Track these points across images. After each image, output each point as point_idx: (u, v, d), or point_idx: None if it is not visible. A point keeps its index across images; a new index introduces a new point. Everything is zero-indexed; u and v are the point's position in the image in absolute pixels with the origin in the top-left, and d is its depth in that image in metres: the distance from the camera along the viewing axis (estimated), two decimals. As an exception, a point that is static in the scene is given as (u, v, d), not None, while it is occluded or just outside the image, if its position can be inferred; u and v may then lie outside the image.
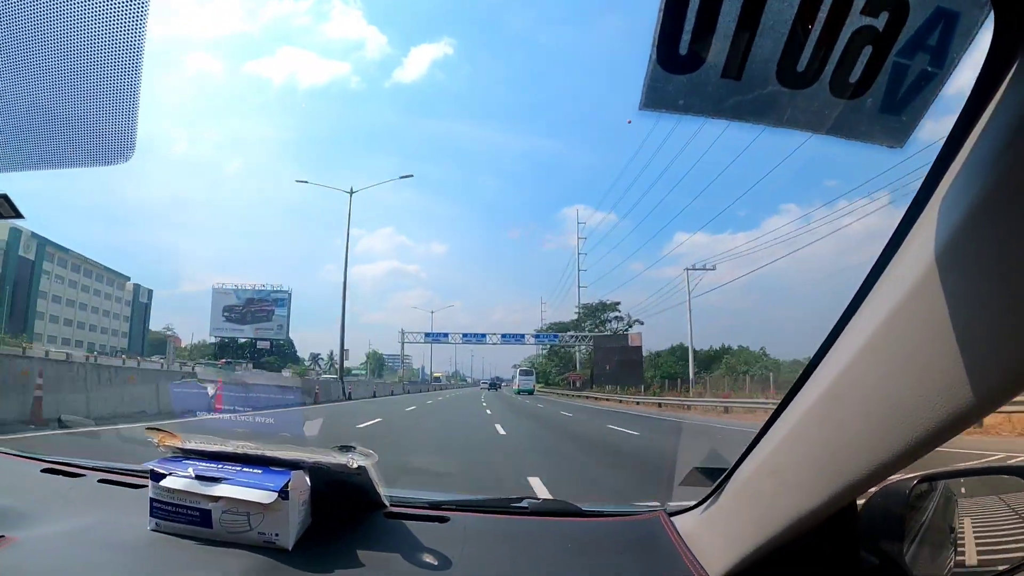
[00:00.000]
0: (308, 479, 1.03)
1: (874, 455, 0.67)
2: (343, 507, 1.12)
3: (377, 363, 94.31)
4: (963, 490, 1.05)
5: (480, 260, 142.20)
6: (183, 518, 1.02)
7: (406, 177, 38.66)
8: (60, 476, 1.34)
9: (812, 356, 0.80)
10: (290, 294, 76.50)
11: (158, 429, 1.10)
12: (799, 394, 0.82)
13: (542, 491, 4.89)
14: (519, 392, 53.61)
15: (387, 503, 1.15)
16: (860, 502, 0.94)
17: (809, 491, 0.76)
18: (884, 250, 0.67)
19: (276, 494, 0.97)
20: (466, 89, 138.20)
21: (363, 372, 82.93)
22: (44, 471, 1.37)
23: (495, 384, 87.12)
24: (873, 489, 0.90)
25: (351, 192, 32.40)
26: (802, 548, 0.87)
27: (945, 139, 0.60)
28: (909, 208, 0.64)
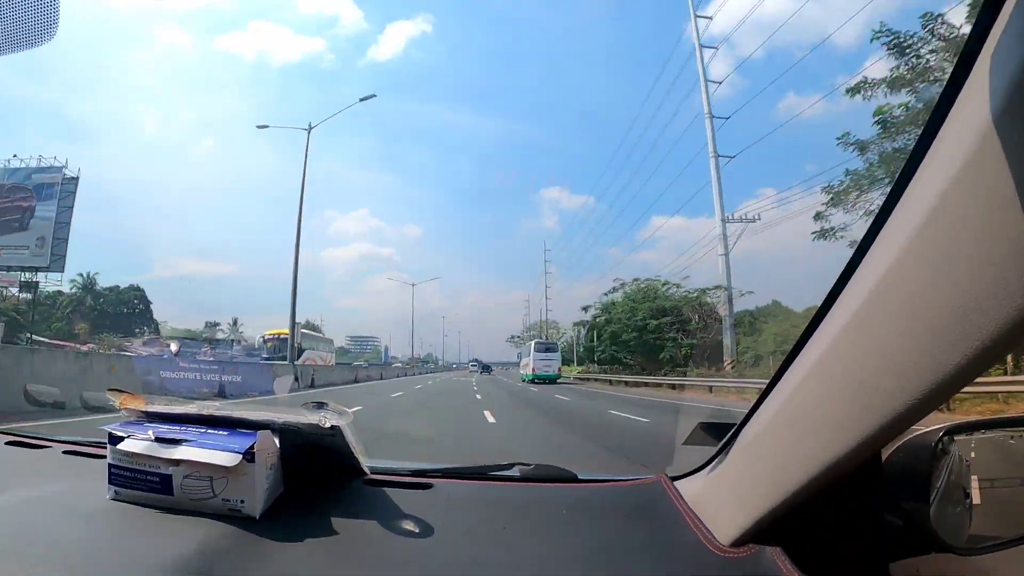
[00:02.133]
0: (277, 441, 0.95)
1: (896, 398, 0.60)
2: (319, 474, 1.04)
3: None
4: (973, 445, 0.95)
5: (456, 243, 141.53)
6: (142, 484, 0.95)
7: (368, 98, 32.34)
8: (24, 448, 1.27)
9: (826, 296, 0.73)
10: (76, 180, 36.72)
11: (119, 391, 1.02)
12: (814, 336, 0.74)
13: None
14: (533, 379, 35.20)
15: (366, 469, 1.07)
16: (885, 457, 0.86)
17: (829, 441, 0.69)
18: (899, 178, 0.62)
19: (240, 456, 0.89)
20: (443, 69, 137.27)
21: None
22: (8, 443, 1.30)
23: (487, 368, 80.00)
24: (897, 444, 0.82)
25: (308, 128, 29.79)
26: (820, 508, 0.79)
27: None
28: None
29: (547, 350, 39.20)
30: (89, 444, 1.27)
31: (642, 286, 42.91)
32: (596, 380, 39.54)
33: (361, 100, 34.42)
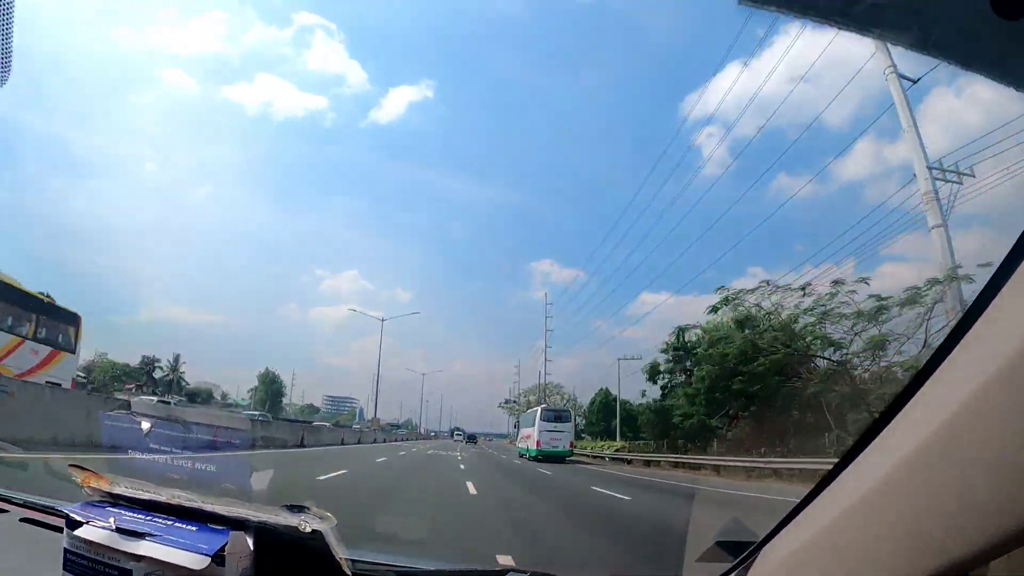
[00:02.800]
0: (251, 542, 0.89)
1: (971, 542, 0.51)
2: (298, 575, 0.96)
3: (272, 390, 72.81)
4: None
5: (445, 310, 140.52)
6: None
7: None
8: None
9: (898, 394, 0.64)
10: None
11: (81, 468, 0.95)
12: (870, 452, 0.66)
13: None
14: (538, 456, 25.92)
15: (349, 572, 0.99)
16: None
17: (888, 572, 0.59)
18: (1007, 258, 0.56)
19: (209, 559, 0.83)
20: (442, 134, 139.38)
21: (245, 404, 64.89)
22: None
23: (472, 438, 77.75)
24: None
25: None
26: None
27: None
28: None
29: (557, 419, 28.40)
30: (49, 512, 1.18)
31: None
32: (646, 460, 26.49)
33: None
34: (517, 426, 42.52)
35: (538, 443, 26.78)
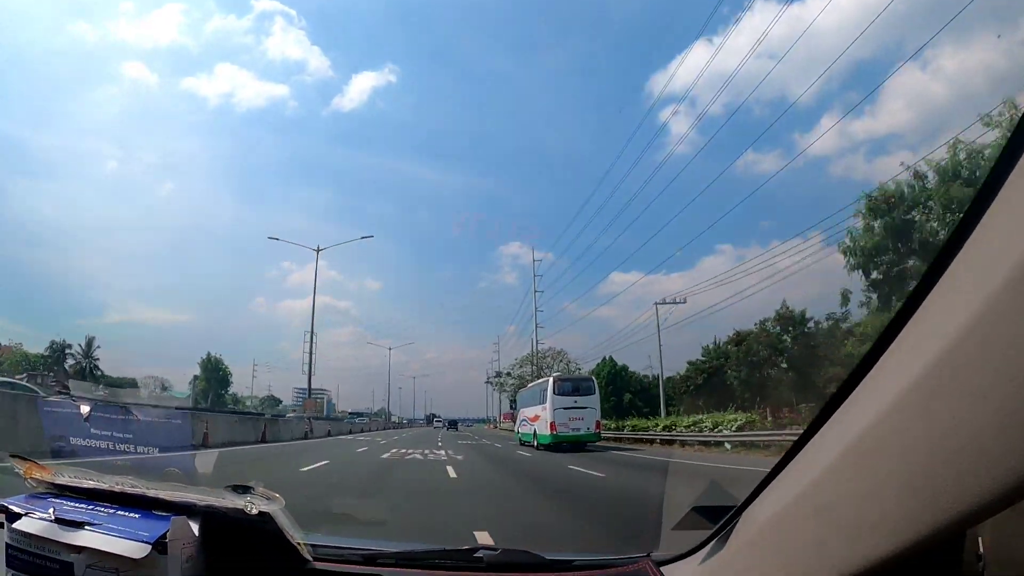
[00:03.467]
0: (196, 527, 0.84)
1: (965, 492, 0.46)
2: (253, 562, 0.91)
3: (216, 378, 64.35)
4: None
5: (415, 297, 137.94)
6: (41, 571, 0.83)
7: (367, 237, 35.33)
8: None
9: (875, 340, 0.59)
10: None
11: (23, 458, 0.91)
12: (852, 397, 0.61)
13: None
14: (551, 443, 18.51)
15: (308, 556, 0.95)
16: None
17: (874, 542, 0.55)
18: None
19: (150, 546, 0.78)
20: (406, 121, 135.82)
21: (184, 395, 52.46)
22: None
23: (453, 424, 73.80)
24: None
25: (317, 250, 31.15)
26: None
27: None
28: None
29: (576, 391, 20.22)
30: None
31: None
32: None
33: (362, 238, 36.66)
34: (514, 407, 35.22)
35: (552, 426, 18.86)
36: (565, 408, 19.34)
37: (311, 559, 0.94)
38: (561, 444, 18.26)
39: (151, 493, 0.85)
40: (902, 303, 0.56)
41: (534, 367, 47.63)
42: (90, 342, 55.06)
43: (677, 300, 32.62)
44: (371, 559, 1.03)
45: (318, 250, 31.04)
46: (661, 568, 0.98)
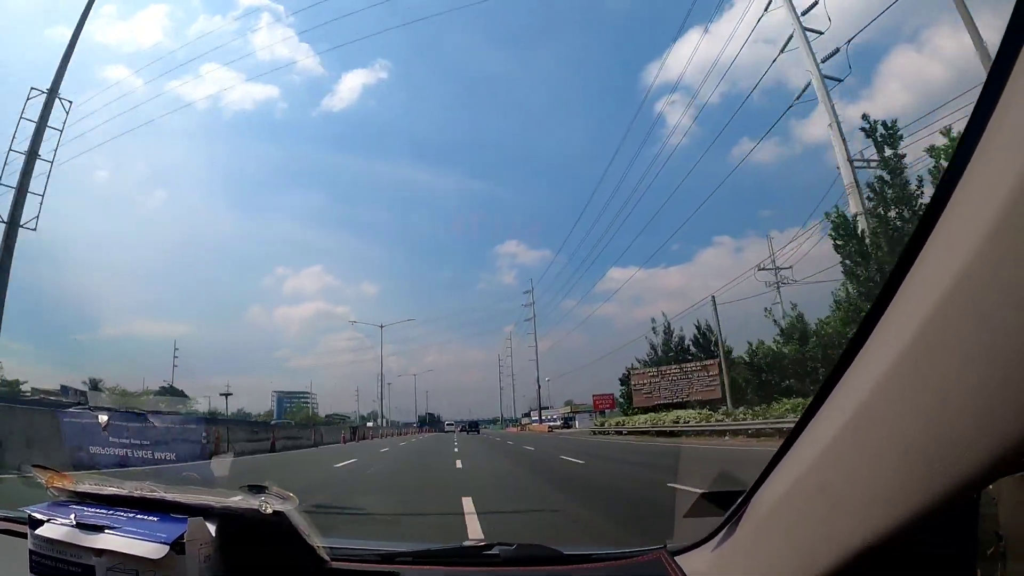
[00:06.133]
0: (213, 528, 0.86)
1: (955, 467, 0.47)
2: (270, 563, 0.93)
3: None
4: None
5: (413, 301, 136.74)
6: (63, 574, 0.85)
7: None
8: None
9: (860, 323, 0.61)
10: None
11: (45, 468, 0.94)
12: (843, 380, 0.63)
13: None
14: None
15: (326, 556, 0.97)
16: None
17: (874, 517, 0.56)
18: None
19: (168, 547, 0.80)
20: (398, 119, 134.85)
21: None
22: None
23: (473, 426, 62.65)
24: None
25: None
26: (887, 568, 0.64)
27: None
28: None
29: None
30: (18, 521, 1.17)
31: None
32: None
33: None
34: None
35: None
36: None
37: (328, 559, 0.96)
38: None
39: (169, 497, 0.87)
40: (886, 280, 0.57)
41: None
42: (94, 383, 54.57)
43: (780, 267, 29.53)
44: (388, 558, 1.04)
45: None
46: (676, 558, 0.98)
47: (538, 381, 65.08)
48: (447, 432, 56.76)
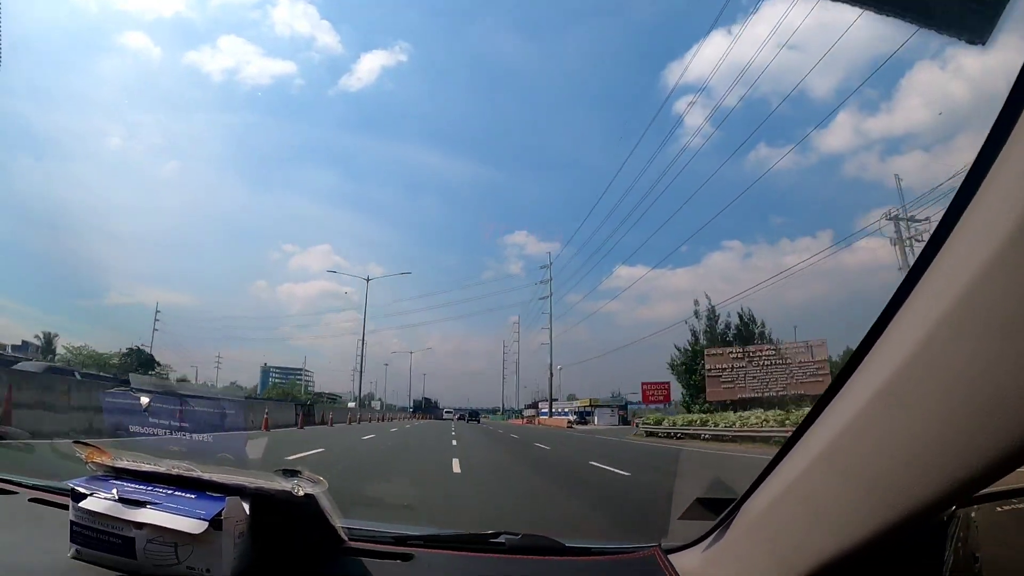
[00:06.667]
0: (247, 507, 0.92)
1: (916, 494, 0.53)
2: (294, 540, 0.99)
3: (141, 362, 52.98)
4: (982, 516, 0.84)
5: (419, 285, 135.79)
6: (105, 545, 0.91)
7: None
8: None
9: (841, 368, 0.67)
10: None
11: (86, 443, 0.98)
12: (828, 409, 0.68)
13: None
14: None
15: (344, 536, 1.03)
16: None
17: (845, 530, 0.62)
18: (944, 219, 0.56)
19: (207, 523, 0.86)
20: (415, 103, 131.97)
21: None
22: None
23: (473, 415, 61.29)
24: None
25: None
26: None
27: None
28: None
29: None
30: (57, 492, 1.23)
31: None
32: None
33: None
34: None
35: None
36: None
37: (346, 539, 1.02)
38: None
39: (205, 476, 0.92)
40: (881, 311, 0.63)
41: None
42: (47, 337, 52.34)
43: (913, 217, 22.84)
44: (401, 540, 1.10)
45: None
46: (669, 556, 1.05)
47: (551, 368, 58.29)
48: (445, 420, 54.43)
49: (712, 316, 32.74)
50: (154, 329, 58.13)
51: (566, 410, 58.38)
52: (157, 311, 59.10)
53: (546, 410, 60.33)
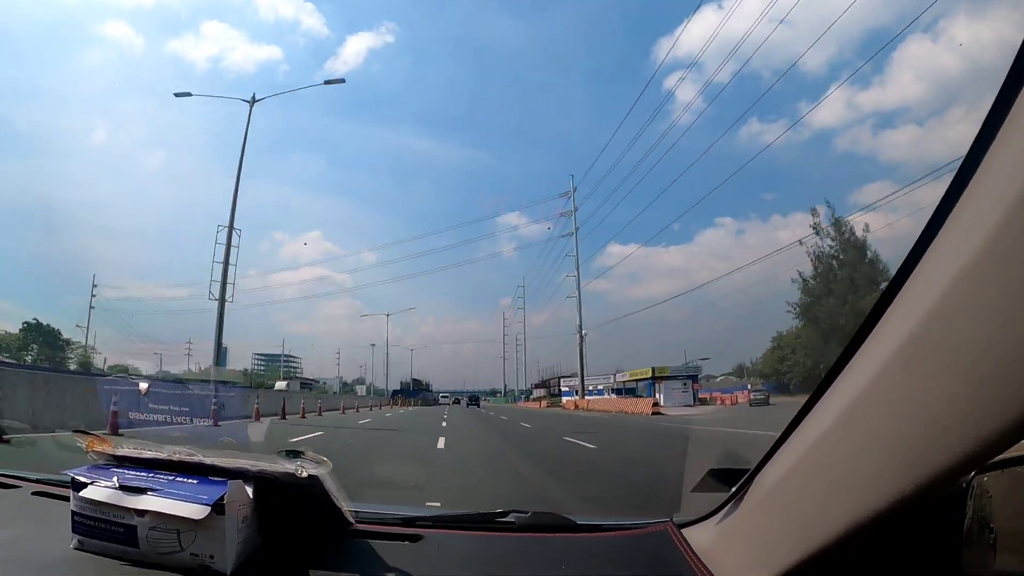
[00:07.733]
0: (250, 491, 0.89)
1: (939, 455, 0.51)
2: (299, 524, 0.97)
3: (48, 342, 50.62)
4: (1002, 481, 0.82)
5: (412, 271, 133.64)
6: (107, 535, 0.88)
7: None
8: None
9: (860, 325, 0.64)
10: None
11: (86, 432, 0.96)
12: (844, 373, 0.66)
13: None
14: None
15: (351, 518, 1.01)
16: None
17: (866, 497, 0.59)
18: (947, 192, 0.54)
19: (209, 508, 0.83)
20: (402, 85, 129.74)
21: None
22: None
23: (474, 400, 57.42)
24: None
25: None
26: (848, 563, 0.69)
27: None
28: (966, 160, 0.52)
29: None
30: (59, 484, 1.21)
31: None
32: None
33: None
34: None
35: None
36: None
37: (353, 521, 1.00)
38: None
39: (208, 461, 0.90)
40: (888, 282, 0.61)
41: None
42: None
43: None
44: (409, 521, 1.08)
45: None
46: (682, 530, 1.02)
47: (580, 329, 46.02)
48: (440, 405, 47.41)
49: (839, 226, 25.97)
50: (90, 306, 53.54)
51: (600, 388, 46.89)
52: (94, 284, 54.10)
53: (568, 389, 50.21)
